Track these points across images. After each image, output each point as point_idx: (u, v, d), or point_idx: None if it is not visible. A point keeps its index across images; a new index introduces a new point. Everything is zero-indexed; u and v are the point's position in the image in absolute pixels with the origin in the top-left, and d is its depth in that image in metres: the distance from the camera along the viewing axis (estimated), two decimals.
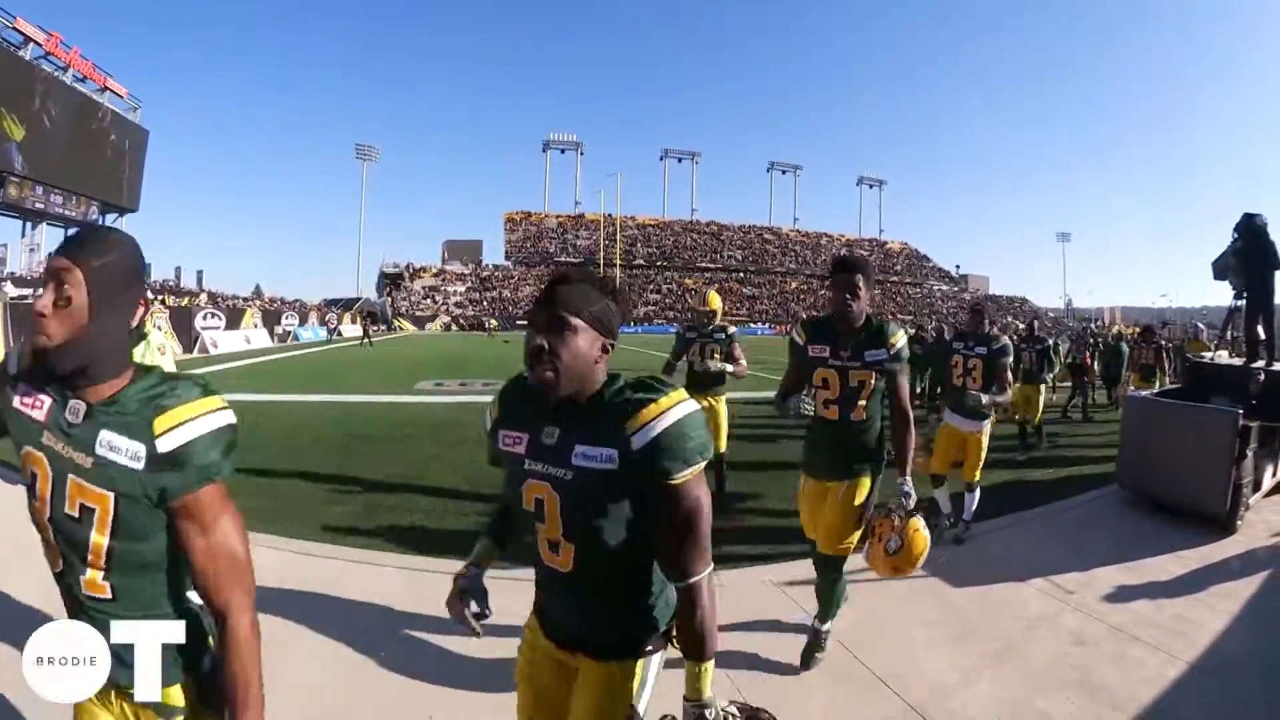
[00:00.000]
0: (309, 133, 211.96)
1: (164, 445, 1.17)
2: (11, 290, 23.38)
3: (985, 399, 4.74)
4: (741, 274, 80.00)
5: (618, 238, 70.01)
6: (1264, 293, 6.51)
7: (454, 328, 56.50)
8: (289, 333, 33.47)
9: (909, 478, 2.95)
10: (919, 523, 2.86)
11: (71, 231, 1.57)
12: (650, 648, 1.51)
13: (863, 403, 2.94)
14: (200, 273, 46.62)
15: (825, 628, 3.18)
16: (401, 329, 53.77)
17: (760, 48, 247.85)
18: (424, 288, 68.29)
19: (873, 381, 2.92)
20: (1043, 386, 8.76)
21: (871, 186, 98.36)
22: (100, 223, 39.81)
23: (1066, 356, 14.94)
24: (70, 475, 1.18)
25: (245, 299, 39.64)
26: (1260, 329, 6.53)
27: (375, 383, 14.86)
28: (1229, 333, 8.56)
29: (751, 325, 63.04)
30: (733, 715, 1.37)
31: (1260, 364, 6.22)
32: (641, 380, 1.41)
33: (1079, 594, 4.02)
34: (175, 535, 1.22)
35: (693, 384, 5.65)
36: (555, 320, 1.34)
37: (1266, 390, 5.75)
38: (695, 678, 1.37)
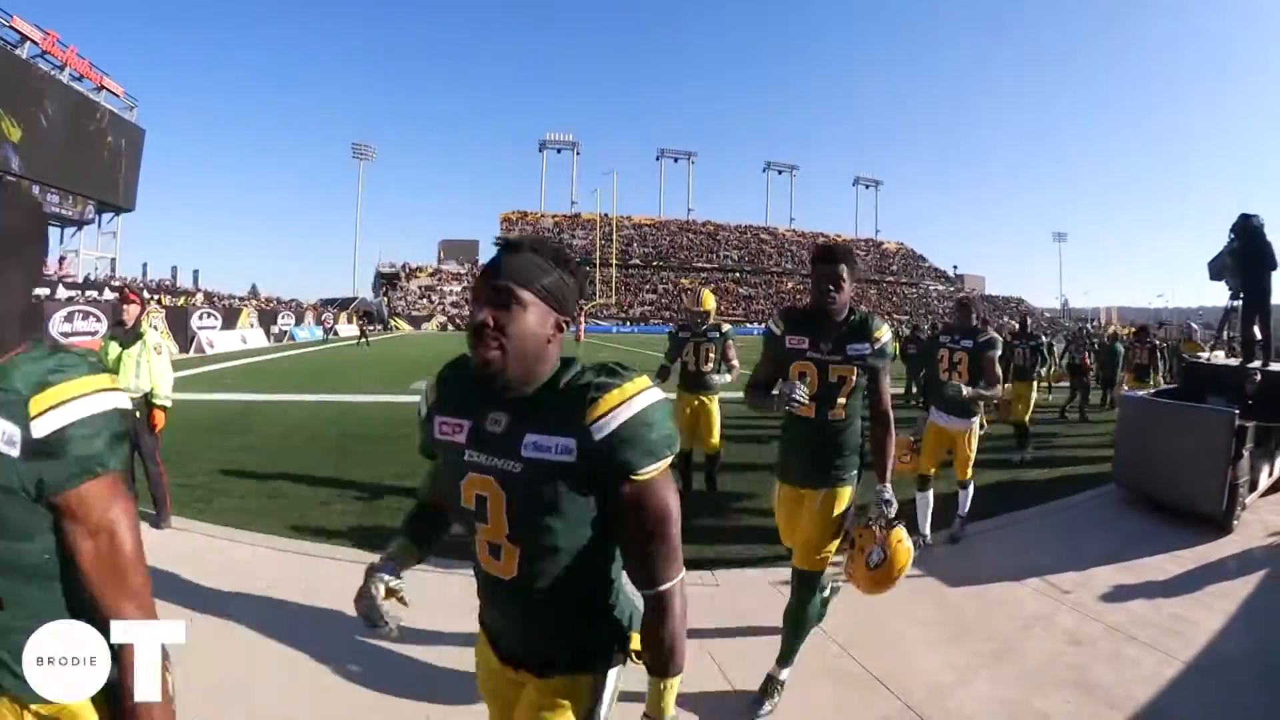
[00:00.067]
0: (305, 131, 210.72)
1: (39, 429, 1.01)
2: None
3: (967, 391, 4.58)
4: (738, 274, 79.98)
5: (614, 237, 69.94)
6: (1260, 293, 6.53)
7: (450, 327, 56.38)
8: (285, 332, 33.41)
9: (889, 484, 2.76)
10: (902, 533, 2.74)
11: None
12: (606, 664, 1.36)
13: (842, 400, 2.75)
14: (196, 272, 46.36)
15: (783, 675, 2.88)
16: (398, 329, 53.69)
17: (757, 48, 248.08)
18: (420, 287, 68.15)
19: (854, 378, 2.72)
20: (1035, 384, 8.76)
21: (867, 187, 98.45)
22: (97, 222, 39.80)
23: (1063, 356, 15.00)
24: None
25: (241, 299, 39.47)
26: (1256, 329, 6.55)
27: (371, 382, 14.85)
28: (1225, 333, 8.58)
29: (748, 325, 63.05)
30: None
31: (1256, 364, 6.25)
32: (602, 364, 1.28)
33: (1075, 593, 4.03)
34: (59, 536, 1.07)
35: (686, 384, 5.63)
36: (501, 293, 1.21)
37: (1263, 390, 5.77)
38: (659, 694, 1.26)
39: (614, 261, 68.87)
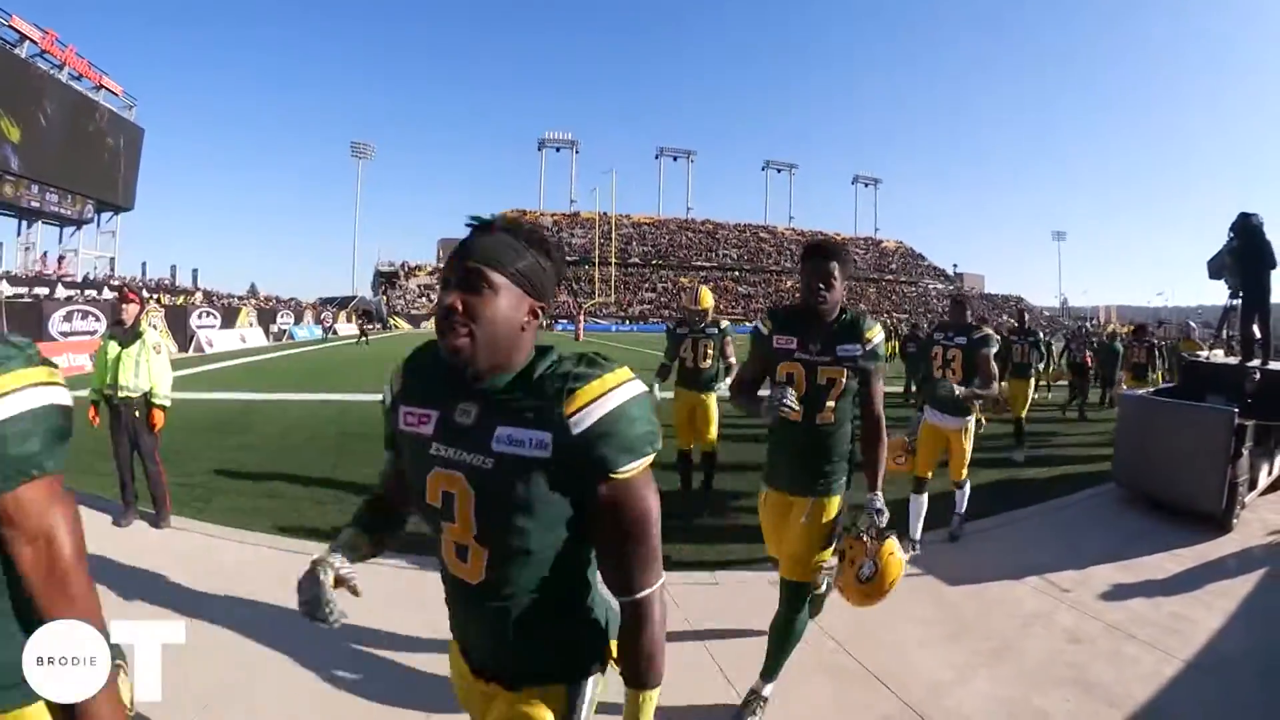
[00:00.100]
0: (304, 130, 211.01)
1: None
2: (7, 289, 23.28)
3: (960, 390, 4.43)
4: (737, 272, 79.89)
5: (613, 236, 69.81)
6: (1259, 292, 6.54)
7: None
8: (284, 331, 33.36)
9: (879, 493, 2.64)
10: (893, 545, 2.65)
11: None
12: (582, 673, 1.28)
13: (831, 404, 2.63)
14: (195, 271, 46.22)
15: (766, 690, 2.78)
16: (397, 327, 53.62)
17: (756, 46, 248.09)
18: (419, 286, 68.01)
19: (844, 380, 2.60)
20: (1033, 381, 8.74)
21: (866, 185, 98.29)
22: (96, 221, 39.78)
23: (1062, 355, 15.00)
24: None
25: (240, 298, 39.44)
26: (1256, 328, 6.56)
27: (371, 381, 14.81)
28: (1224, 332, 8.58)
29: (747, 324, 62.87)
30: None
31: (1256, 363, 6.25)
32: (581, 353, 1.20)
33: (1074, 592, 4.03)
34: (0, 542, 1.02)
35: (684, 381, 5.61)
36: (471, 276, 1.13)
37: (1262, 389, 5.78)
38: (635, 707, 1.20)
39: (613, 260, 68.78)
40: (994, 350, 4.73)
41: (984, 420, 5.41)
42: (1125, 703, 2.88)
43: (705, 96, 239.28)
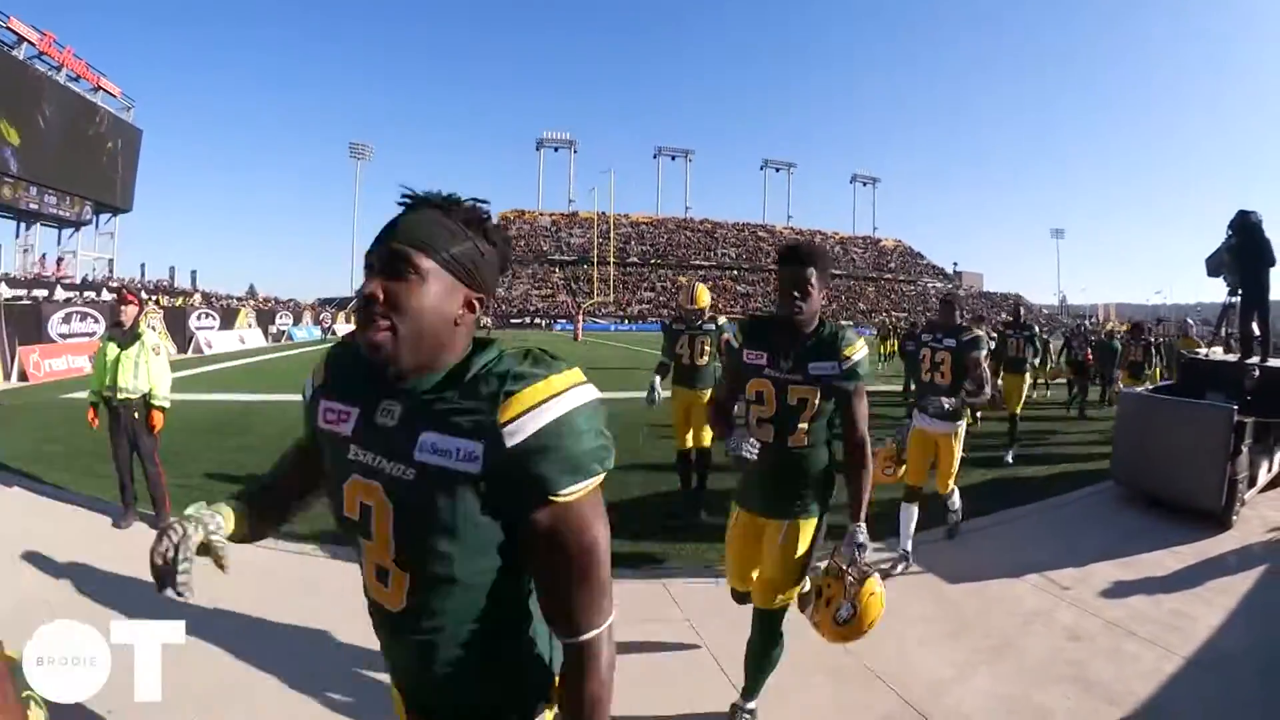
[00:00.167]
0: (302, 131, 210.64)
1: None
2: (6, 291, 23.26)
3: (950, 404, 4.22)
4: (735, 272, 79.92)
5: (611, 236, 69.79)
6: (1258, 289, 6.55)
7: None
8: (283, 332, 33.33)
9: (862, 524, 2.40)
10: (874, 584, 2.40)
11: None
12: (525, 716, 1.12)
13: (804, 425, 2.40)
14: (194, 272, 46.30)
15: (751, 705, 2.70)
16: None
17: (754, 46, 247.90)
18: None
19: (817, 401, 2.38)
20: (1026, 376, 8.71)
21: (865, 184, 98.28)
22: (94, 223, 39.76)
23: (1061, 353, 15.00)
24: None
25: (239, 299, 39.40)
26: (1255, 325, 6.57)
27: None
28: (1223, 329, 8.59)
29: None
30: None
31: (1255, 360, 6.26)
32: (525, 350, 1.03)
33: (1074, 590, 4.04)
34: None
35: (680, 379, 5.58)
36: (396, 259, 0.98)
37: (1261, 386, 5.78)
38: None
39: (612, 260, 68.77)
40: (984, 352, 4.49)
41: (977, 419, 5.36)
42: (1125, 700, 2.88)
43: (703, 96, 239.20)
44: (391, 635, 1.10)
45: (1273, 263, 6.34)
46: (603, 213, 71.08)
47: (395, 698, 1.20)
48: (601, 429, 1.00)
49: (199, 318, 25.65)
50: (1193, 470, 5.30)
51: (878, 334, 26.27)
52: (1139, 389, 7.41)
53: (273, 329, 32.35)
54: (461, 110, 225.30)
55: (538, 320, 60.13)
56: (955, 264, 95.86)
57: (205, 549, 1.10)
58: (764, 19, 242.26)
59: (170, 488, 4.93)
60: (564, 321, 54.15)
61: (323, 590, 3.68)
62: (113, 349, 4.83)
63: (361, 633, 3.24)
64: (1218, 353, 7.82)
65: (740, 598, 2.82)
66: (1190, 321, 15.30)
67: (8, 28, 32.33)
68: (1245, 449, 5.34)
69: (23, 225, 35.48)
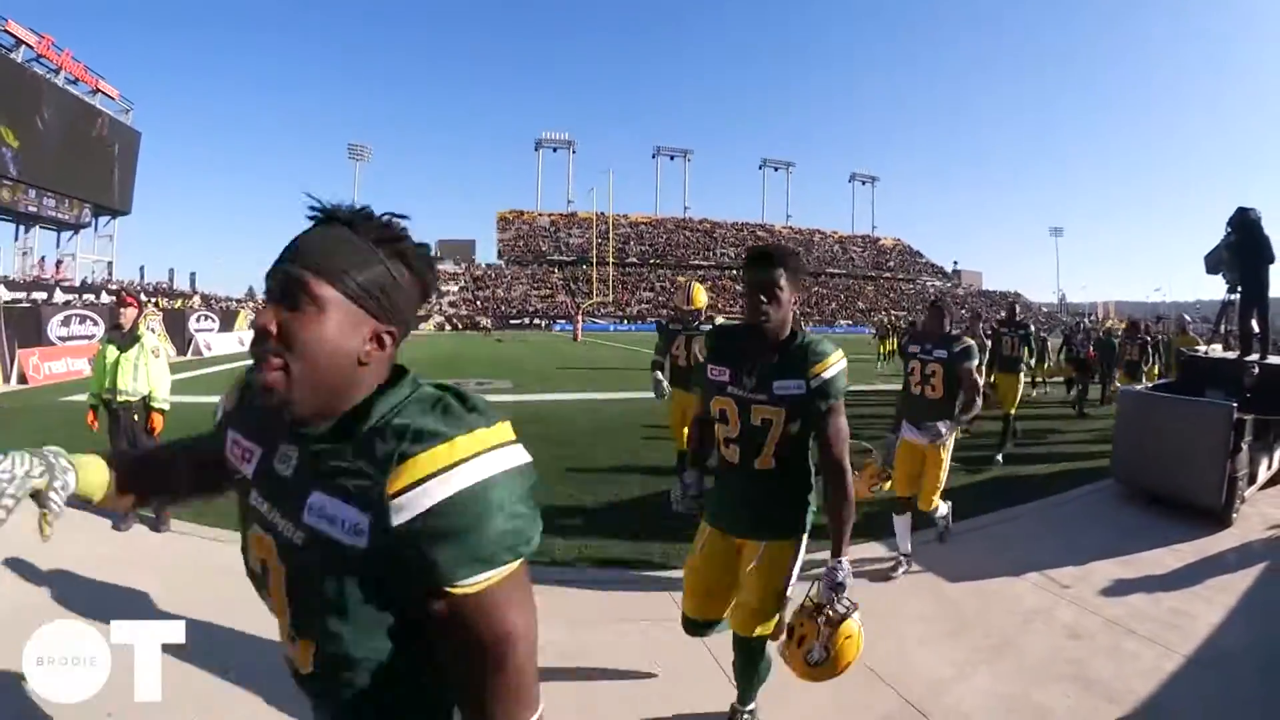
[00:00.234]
0: (301, 133, 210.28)
1: None
2: (5, 294, 23.26)
3: (945, 428, 4.14)
4: (735, 271, 79.74)
5: (610, 236, 69.84)
6: (1257, 286, 6.55)
7: (448, 328, 56.29)
8: None
9: (844, 560, 2.13)
10: (851, 627, 2.15)
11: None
12: None
13: (770, 448, 2.17)
14: (193, 275, 46.39)
15: (749, 708, 2.62)
16: None
17: (753, 45, 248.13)
18: None
19: (782, 422, 2.14)
20: (1021, 374, 8.69)
21: (864, 183, 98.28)
22: (93, 225, 39.76)
23: (1060, 351, 15.00)
24: None
25: (239, 301, 39.40)
26: (1254, 323, 6.57)
27: None
28: (1223, 326, 8.60)
29: None
30: None
31: (1254, 357, 6.26)
32: (438, 397, 0.85)
33: (1074, 588, 4.03)
34: None
35: (677, 380, 5.55)
36: (291, 286, 0.82)
37: (1261, 383, 5.78)
38: None
39: (611, 260, 68.83)
40: (976, 362, 4.33)
41: (970, 428, 5.30)
42: (1125, 698, 2.88)
43: (702, 96, 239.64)
44: (309, 695, 1.01)
45: (1272, 260, 6.35)
46: (601, 213, 71.18)
47: None
48: (519, 506, 0.82)
49: (198, 320, 25.65)
50: (1192, 468, 5.30)
51: (876, 333, 26.19)
52: (1140, 387, 7.41)
53: None
54: (460, 111, 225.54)
55: (537, 321, 60.12)
56: (955, 263, 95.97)
57: (40, 499, 0.96)
58: (764, 19, 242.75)
59: None
60: (563, 322, 54.10)
61: None
62: (112, 351, 4.82)
63: None
64: (1217, 350, 7.82)
65: (695, 628, 2.53)
66: (1187, 318, 15.30)
67: (6, 30, 32.37)
68: (1245, 446, 5.34)
69: (22, 228, 35.51)
